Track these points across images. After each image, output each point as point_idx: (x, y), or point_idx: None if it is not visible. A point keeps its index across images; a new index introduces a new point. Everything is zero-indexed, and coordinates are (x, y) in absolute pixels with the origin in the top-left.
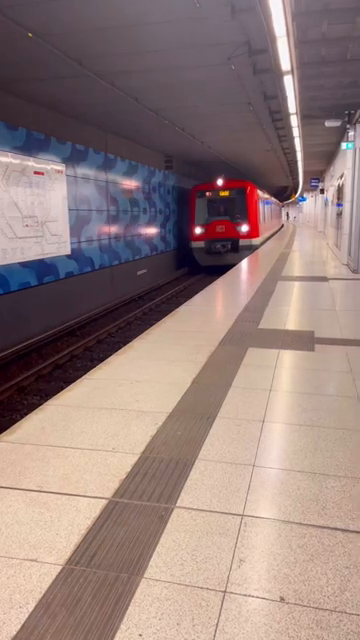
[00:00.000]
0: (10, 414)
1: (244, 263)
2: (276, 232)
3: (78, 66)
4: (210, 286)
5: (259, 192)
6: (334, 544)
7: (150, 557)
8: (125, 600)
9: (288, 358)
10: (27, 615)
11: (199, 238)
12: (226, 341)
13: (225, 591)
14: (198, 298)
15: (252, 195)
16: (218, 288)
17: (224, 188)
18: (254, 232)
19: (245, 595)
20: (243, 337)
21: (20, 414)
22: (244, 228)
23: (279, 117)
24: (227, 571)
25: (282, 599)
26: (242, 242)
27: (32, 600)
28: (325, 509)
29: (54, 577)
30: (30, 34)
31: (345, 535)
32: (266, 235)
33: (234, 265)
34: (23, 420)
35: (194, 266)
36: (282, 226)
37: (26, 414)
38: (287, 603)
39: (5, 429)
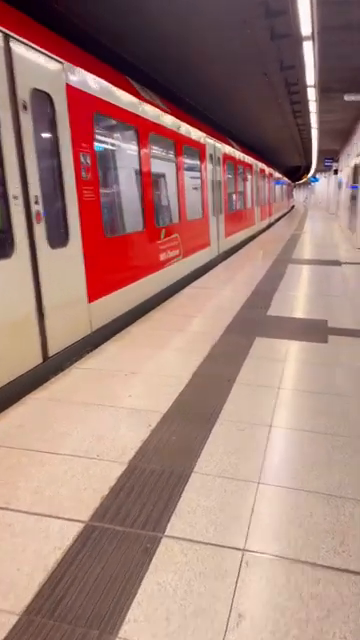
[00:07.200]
0: None
1: (253, 244)
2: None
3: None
4: (217, 267)
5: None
6: (355, 594)
7: (128, 608)
8: None
9: (299, 350)
10: None
11: None
12: (232, 329)
13: None
14: (204, 279)
15: None
16: (225, 269)
17: None
18: None
19: None
20: (251, 325)
21: None
22: None
23: (296, 90)
24: (222, 632)
25: None
26: None
27: None
28: (343, 544)
29: (7, 631)
30: None
31: None
32: None
33: None
34: (2, 414)
35: None
36: (292, 207)
37: None
38: None
39: None
